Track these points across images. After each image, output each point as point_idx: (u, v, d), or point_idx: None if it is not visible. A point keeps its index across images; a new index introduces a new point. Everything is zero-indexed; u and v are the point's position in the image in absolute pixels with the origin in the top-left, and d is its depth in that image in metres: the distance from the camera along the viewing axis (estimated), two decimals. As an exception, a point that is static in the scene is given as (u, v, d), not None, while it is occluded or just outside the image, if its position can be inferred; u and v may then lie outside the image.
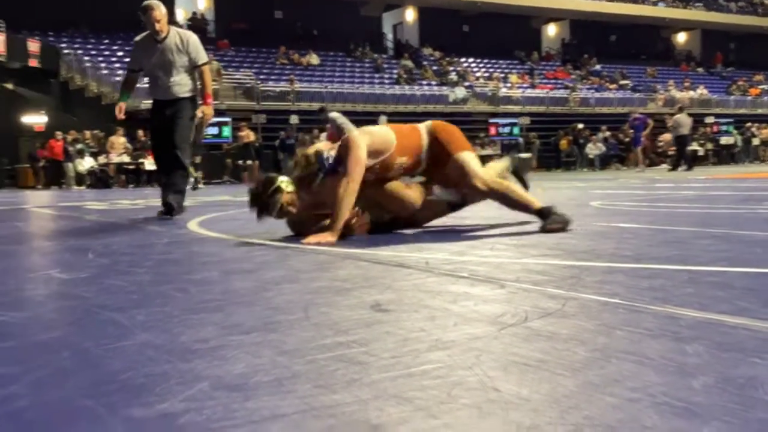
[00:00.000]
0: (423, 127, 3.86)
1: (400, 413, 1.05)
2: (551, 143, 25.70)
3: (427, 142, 3.78)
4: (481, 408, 1.06)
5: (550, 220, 3.61)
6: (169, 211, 5.49)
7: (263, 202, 3.65)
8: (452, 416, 1.03)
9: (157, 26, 5.51)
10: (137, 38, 5.80)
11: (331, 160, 3.64)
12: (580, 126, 25.36)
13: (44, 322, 1.88)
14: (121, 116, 5.80)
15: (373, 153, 3.64)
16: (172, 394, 1.17)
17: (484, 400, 1.09)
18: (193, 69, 5.69)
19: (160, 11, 5.54)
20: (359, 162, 3.55)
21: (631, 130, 20.24)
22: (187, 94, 5.67)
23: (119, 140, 19.00)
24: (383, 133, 3.78)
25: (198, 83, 5.76)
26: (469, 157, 3.75)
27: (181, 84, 5.63)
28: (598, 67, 34.79)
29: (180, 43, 5.61)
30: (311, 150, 3.79)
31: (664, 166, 19.74)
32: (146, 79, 5.97)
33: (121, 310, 1.89)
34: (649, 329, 1.51)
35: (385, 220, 3.91)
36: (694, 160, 21.34)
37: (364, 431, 0.99)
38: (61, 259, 3.38)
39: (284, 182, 3.68)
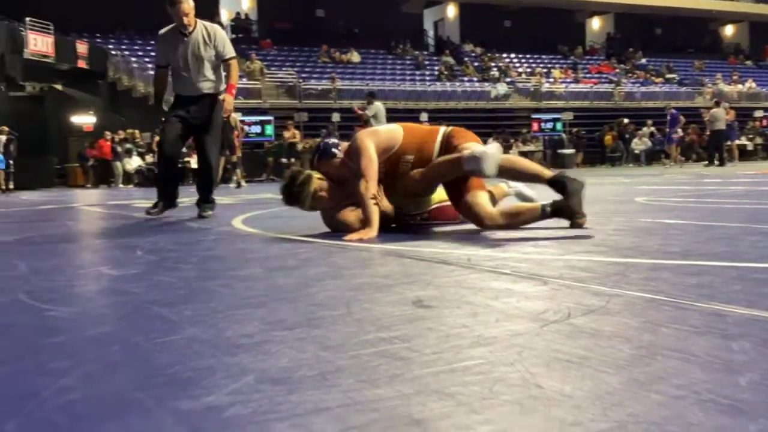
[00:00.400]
0: (442, 130, 3.87)
1: (442, 408, 1.06)
2: (595, 138, 25.39)
3: (440, 143, 3.77)
4: (523, 404, 1.06)
5: (568, 187, 3.36)
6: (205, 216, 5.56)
7: (294, 192, 3.79)
8: (494, 412, 1.03)
9: (185, 20, 5.41)
10: (162, 31, 5.65)
11: (331, 147, 3.87)
12: (626, 121, 25.00)
13: (95, 317, 1.93)
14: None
15: (379, 152, 3.73)
16: (219, 387, 1.19)
17: (526, 396, 1.09)
18: (220, 63, 5.59)
19: (188, 4, 5.43)
20: (371, 161, 3.66)
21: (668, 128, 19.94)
22: (213, 90, 5.59)
23: (165, 139, 19.29)
24: (390, 130, 3.88)
25: (224, 78, 5.66)
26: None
27: (209, 79, 5.55)
28: (643, 60, 34.23)
29: (207, 36, 5.51)
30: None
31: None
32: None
33: (168, 306, 1.93)
34: (696, 326, 1.49)
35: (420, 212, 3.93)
36: (741, 155, 20.89)
37: (407, 425, 1.00)
38: (110, 256, 3.45)
39: (313, 172, 3.85)
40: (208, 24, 5.66)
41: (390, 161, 3.76)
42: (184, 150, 18.21)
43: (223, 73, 5.67)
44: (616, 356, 1.29)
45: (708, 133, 21.30)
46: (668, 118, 19.59)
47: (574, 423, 0.98)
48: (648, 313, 1.64)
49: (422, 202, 3.93)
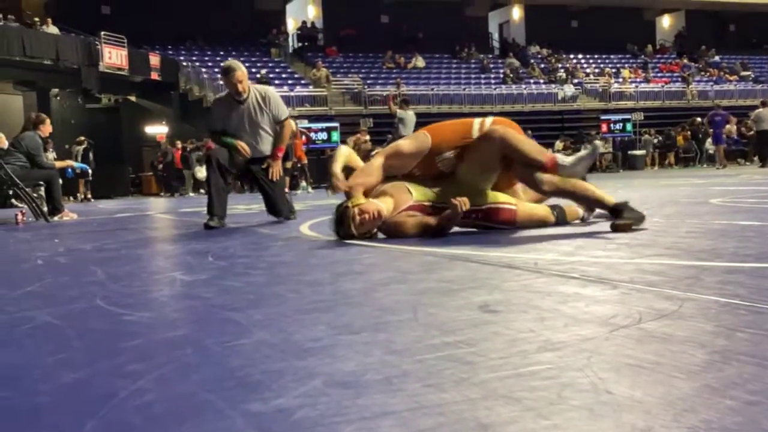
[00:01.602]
0: (477, 122, 3.92)
1: (509, 413, 1.05)
2: (669, 139, 24.78)
3: (477, 136, 3.83)
4: (593, 409, 1.04)
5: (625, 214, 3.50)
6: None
7: (339, 226, 3.77)
8: (562, 417, 1.02)
9: (240, 87, 5.48)
10: (218, 97, 5.79)
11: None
12: (699, 120, 24.28)
13: (168, 321, 1.98)
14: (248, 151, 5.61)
15: (405, 159, 3.90)
16: (287, 390, 1.22)
17: (595, 401, 1.08)
18: (276, 124, 5.71)
19: (242, 71, 5.52)
20: (364, 172, 3.95)
21: (711, 128, 18.92)
22: (271, 150, 5.75)
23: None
24: (413, 138, 4.03)
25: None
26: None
27: (267, 142, 5.71)
28: (716, 58, 33.21)
29: (261, 101, 5.59)
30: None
31: None
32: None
33: (238, 310, 1.97)
34: (773, 331, 1.44)
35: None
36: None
37: (473, 430, 1.00)
38: (183, 262, 3.55)
39: (351, 200, 3.73)
40: (260, 88, 5.75)
41: (425, 164, 3.87)
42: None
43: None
44: (689, 361, 1.25)
45: (752, 133, 20.36)
46: (716, 118, 18.64)
47: (644, 429, 0.96)
48: (722, 317, 1.59)
49: (478, 195, 3.82)
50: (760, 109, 17.72)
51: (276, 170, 5.72)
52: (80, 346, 1.68)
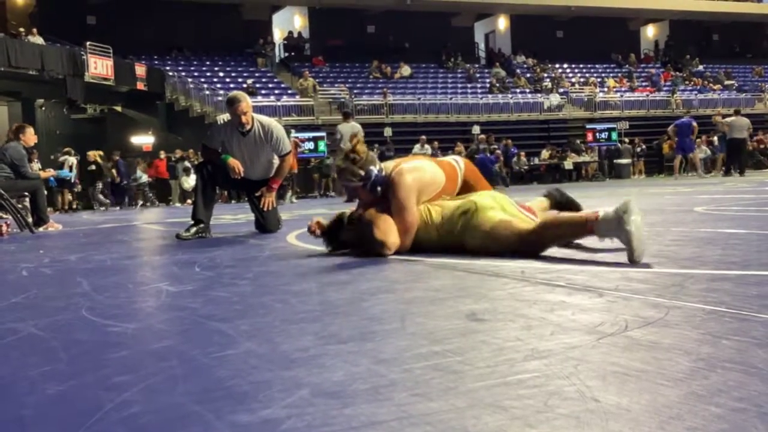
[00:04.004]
0: (457, 165, 3.74)
1: (496, 422, 1.05)
2: (653, 148, 24.91)
3: (461, 182, 3.72)
4: (579, 418, 1.05)
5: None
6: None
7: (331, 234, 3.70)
8: (549, 426, 1.03)
9: (243, 119, 5.44)
10: (220, 121, 5.69)
11: (378, 178, 3.47)
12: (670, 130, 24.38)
13: (155, 332, 1.97)
14: (241, 171, 5.54)
15: (419, 195, 3.46)
16: (275, 400, 1.21)
17: (582, 409, 1.08)
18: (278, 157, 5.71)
19: (247, 103, 5.47)
20: (411, 213, 3.39)
21: (677, 136, 18.50)
22: (269, 176, 5.77)
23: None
24: (434, 175, 3.58)
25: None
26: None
27: (265, 171, 5.73)
28: (700, 67, 33.51)
29: (263, 135, 5.55)
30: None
31: None
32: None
33: (225, 321, 1.97)
34: (757, 338, 1.45)
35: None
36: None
37: (461, 439, 1.00)
38: (169, 272, 3.53)
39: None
40: (264, 120, 5.66)
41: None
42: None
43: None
44: (675, 369, 1.26)
45: (715, 140, 20.23)
46: (681, 125, 18.20)
47: (631, 437, 0.96)
48: (708, 324, 1.60)
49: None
50: (733, 118, 17.74)
51: (269, 201, 5.67)
52: (66, 357, 1.67)
